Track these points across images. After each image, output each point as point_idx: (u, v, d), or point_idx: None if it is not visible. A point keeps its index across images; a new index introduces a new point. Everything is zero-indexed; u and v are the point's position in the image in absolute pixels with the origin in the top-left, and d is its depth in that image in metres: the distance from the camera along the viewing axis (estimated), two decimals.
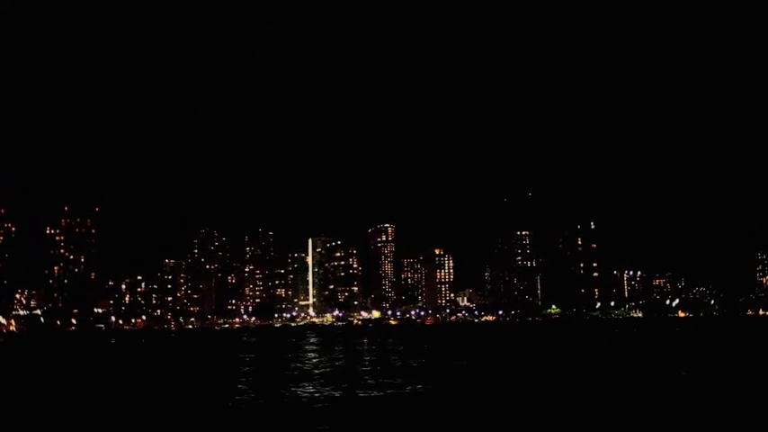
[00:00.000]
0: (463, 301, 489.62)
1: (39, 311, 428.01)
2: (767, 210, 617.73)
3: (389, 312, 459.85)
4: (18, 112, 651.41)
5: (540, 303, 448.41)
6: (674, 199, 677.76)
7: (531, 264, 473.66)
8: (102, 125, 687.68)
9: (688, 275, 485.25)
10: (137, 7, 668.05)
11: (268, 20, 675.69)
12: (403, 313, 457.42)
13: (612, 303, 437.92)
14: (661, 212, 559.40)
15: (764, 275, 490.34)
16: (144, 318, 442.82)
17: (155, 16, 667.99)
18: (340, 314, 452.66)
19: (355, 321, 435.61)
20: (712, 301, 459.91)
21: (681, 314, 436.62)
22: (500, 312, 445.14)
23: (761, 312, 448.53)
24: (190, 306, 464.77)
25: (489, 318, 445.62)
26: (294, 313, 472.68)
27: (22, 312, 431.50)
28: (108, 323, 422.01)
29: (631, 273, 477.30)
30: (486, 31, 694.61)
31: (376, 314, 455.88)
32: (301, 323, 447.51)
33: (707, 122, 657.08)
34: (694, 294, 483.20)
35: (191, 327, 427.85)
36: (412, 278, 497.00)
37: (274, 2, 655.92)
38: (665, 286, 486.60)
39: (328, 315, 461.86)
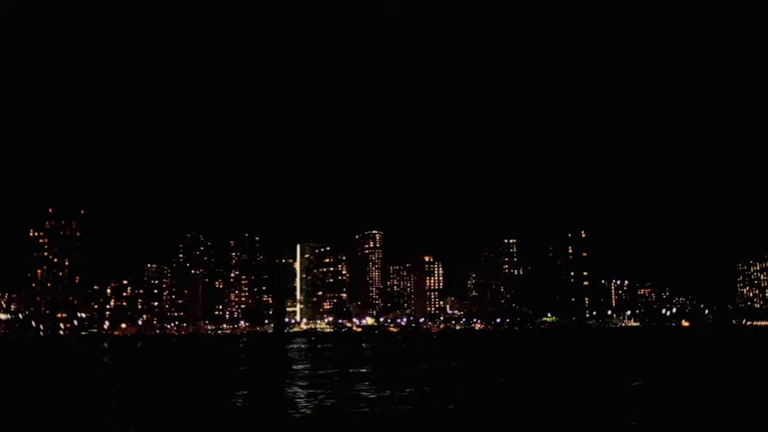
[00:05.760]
0: (447, 309, 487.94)
1: (21, 315, 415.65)
2: (747, 222, 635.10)
3: (381, 319, 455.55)
4: (2, 111, 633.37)
5: (531, 312, 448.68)
6: (658, 210, 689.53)
7: (518, 272, 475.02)
8: (89, 127, 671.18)
9: (671, 285, 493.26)
10: (120, 10, 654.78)
11: (254, 22, 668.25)
12: (400, 320, 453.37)
13: (609, 312, 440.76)
14: (646, 222, 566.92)
15: (745, 286, 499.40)
16: (140, 323, 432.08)
17: (138, 22, 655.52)
18: (339, 321, 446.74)
19: (354, 328, 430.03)
20: (706, 311, 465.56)
21: (684, 323, 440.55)
22: (497, 321, 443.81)
23: (745, 323, 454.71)
24: (175, 311, 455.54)
25: (480, 326, 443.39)
26: (287, 319, 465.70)
27: (2, 316, 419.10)
28: (99, 328, 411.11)
29: (618, 282, 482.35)
30: (473, 39, 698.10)
31: (370, 321, 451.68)
32: (296, 329, 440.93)
33: (691, 138, 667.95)
34: (675, 304, 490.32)
35: (182, 332, 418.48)
36: (398, 285, 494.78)
37: (257, 3, 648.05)
38: (650, 296, 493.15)
39: (321, 322, 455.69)
